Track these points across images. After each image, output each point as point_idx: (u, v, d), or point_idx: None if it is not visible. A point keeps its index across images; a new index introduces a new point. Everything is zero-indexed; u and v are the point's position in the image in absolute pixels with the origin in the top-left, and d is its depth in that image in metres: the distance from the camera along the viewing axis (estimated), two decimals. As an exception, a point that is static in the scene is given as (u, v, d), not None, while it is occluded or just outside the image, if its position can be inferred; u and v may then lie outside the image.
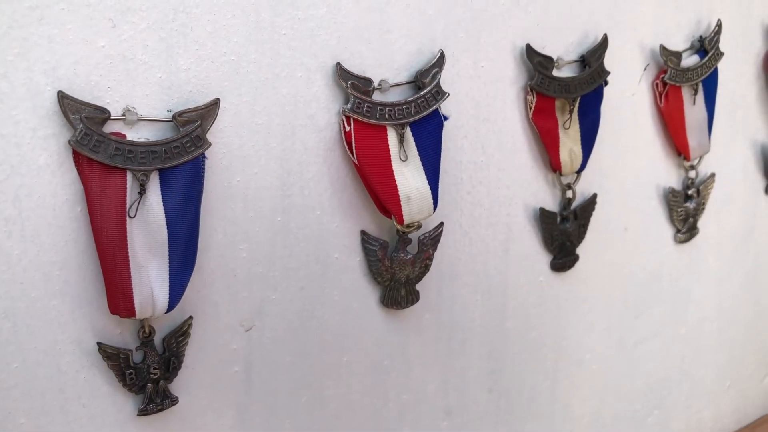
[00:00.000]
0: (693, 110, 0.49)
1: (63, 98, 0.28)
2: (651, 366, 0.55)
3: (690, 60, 0.48)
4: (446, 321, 0.42)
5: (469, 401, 0.45)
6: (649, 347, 0.53)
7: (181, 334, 0.33)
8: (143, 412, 0.33)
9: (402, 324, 0.41)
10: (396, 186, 0.35)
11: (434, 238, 0.39)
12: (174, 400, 0.33)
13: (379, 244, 0.38)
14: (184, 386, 0.34)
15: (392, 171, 0.35)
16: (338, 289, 0.38)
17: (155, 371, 0.32)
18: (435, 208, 0.37)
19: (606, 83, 0.44)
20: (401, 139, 0.36)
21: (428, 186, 0.36)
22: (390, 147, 0.35)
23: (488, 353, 0.44)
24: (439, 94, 0.37)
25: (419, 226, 0.38)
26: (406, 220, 0.36)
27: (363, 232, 0.37)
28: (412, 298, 0.40)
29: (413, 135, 0.36)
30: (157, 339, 0.33)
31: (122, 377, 0.32)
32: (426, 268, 0.39)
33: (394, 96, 0.36)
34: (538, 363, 0.47)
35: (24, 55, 0.28)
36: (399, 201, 0.35)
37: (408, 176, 0.36)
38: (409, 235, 0.38)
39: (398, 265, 0.38)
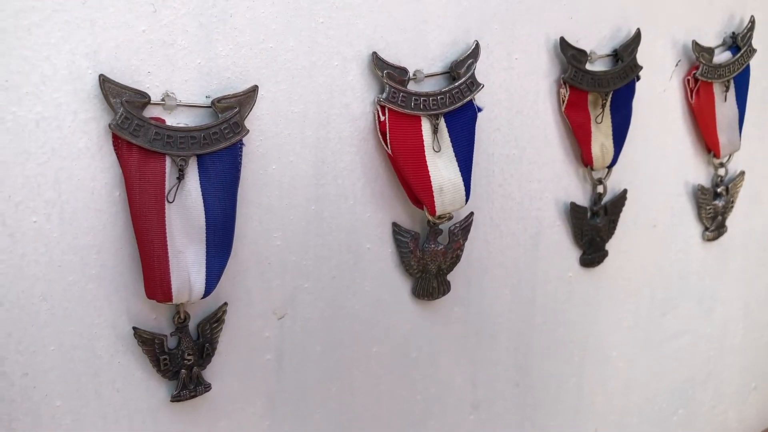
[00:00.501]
0: (724, 107, 0.48)
1: (104, 82, 0.28)
2: (676, 365, 0.54)
3: (722, 56, 0.48)
4: (475, 314, 0.42)
5: (496, 396, 0.45)
6: (675, 346, 0.53)
7: (215, 320, 0.33)
8: (176, 398, 0.33)
9: (431, 316, 0.40)
10: (429, 177, 0.35)
11: (465, 228, 0.39)
12: (207, 387, 0.33)
13: (411, 236, 0.38)
14: (217, 373, 0.34)
15: (425, 162, 0.35)
16: (369, 279, 0.38)
17: (189, 357, 0.32)
18: (467, 200, 0.37)
19: (638, 78, 0.43)
20: (435, 130, 0.36)
21: (461, 177, 0.36)
22: (424, 137, 0.35)
23: (516, 348, 0.44)
24: (473, 85, 0.37)
25: (450, 218, 0.38)
26: (438, 211, 0.36)
27: (395, 224, 0.37)
28: (444, 288, 0.39)
29: (447, 126, 0.36)
30: (192, 325, 0.33)
31: (156, 362, 0.32)
32: (457, 259, 0.39)
33: (428, 86, 0.36)
34: (564, 359, 0.47)
35: (67, 38, 0.28)
36: (432, 192, 0.35)
37: (441, 167, 0.35)
38: (440, 226, 0.38)
39: (429, 256, 0.38)
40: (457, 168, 0.36)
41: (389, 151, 0.35)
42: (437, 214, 0.36)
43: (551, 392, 0.47)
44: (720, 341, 0.56)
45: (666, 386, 0.54)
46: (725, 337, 0.56)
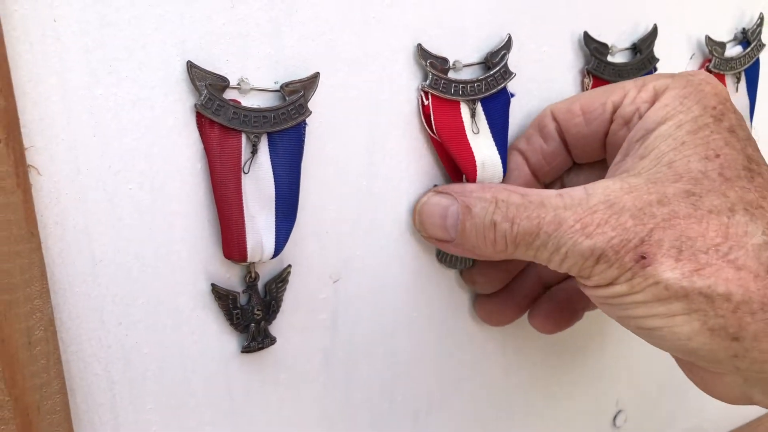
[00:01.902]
0: (736, 97, 0.52)
1: (192, 67, 0.33)
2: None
3: (733, 50, 0.52)
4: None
5: (525, 361, 0.48)
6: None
7: (280, 280, 0.37)
8: (246, 349, 0.37)
9: (467, 287, 0.44)
10: (473, 154, 0.39)
11: None
12: (273, 340, 0.38)
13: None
14: (280, 329, 0.38)
15: (467, 141, 0.39)
16: (411, 249, 0.42)
17: (258, 312, 0.37)
18: (504, 176, 0.41)
19: (655, 69, 0.47)
20: (473, 114, 0.40)
21: (498, 156, 0.40)
22: (464, 120, 0.39)
23: (544, 318, 0.48)
24: (506, 73, 0.41)
25: None
26: (479, 179, 0.40)
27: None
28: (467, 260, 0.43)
29: (483, 110, 0.40)
30: (260, 284, 0.37)
31: (230, 316, 0.36)
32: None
33: (466, 75, 0.40)
34: (588, 330, 0.51)
35: (159, 30, 0.32)
36: (475, 168, 0.39)
37: (481, 146, 0.39)
38: None
39: None
40: (495, 147, 0.40)
41: (432, 134, 0.39)
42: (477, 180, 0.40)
43: (576, 361, 0.51)
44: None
45: (683, 361, 0.58)
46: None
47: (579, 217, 0.33)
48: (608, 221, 0.33)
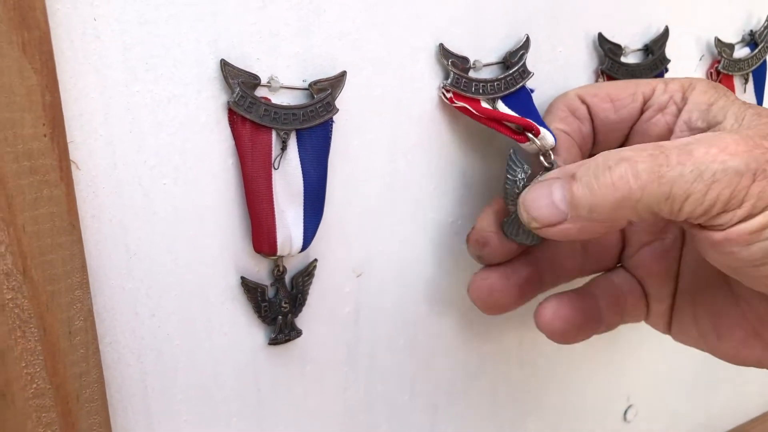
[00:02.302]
0: (744, 98, 0.53)
1: (225, 65, 0.34)
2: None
3: (741, 52, 0.53)
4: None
5: (539, 355, 0.49)
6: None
7: (307, 274, 0.38)
8: (274, 341, 0.38)
9: (484, 281, 0.45)
10: (509, 114, 0.40)
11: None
12: (299, 332, 0.38)
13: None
14: (305, 321, 0.39)
15: (499, 110, 0.40)
16: (431, 244, 0.43)
17: (285, 305, 0.38)
18: (555, 142, 0.40)
19: (666, 70, 0.48)
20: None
21: (540, 126, 0.40)
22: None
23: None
24: (525, 73, 0.42)
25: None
26: (542, 132, 0.39)
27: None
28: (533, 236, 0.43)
29: (506, 106, 0.41)
30: (287, 278, 0.38)
31: (258, 309, 0.37)
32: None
33: (485, 74, 0.41)
34: (600, 325, 0.52)
35: (194, 29, 0.33)
36: (529, 120, 0.39)
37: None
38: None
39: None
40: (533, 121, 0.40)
41: (471, 110, 0.40)
42: (541, 135, 0.39)
43: (588, 356, 0.52)
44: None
45: (692, 356, 0.59)
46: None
47: (713, 143, 0.30)
48: (747, 144, 0.30)
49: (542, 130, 0.39)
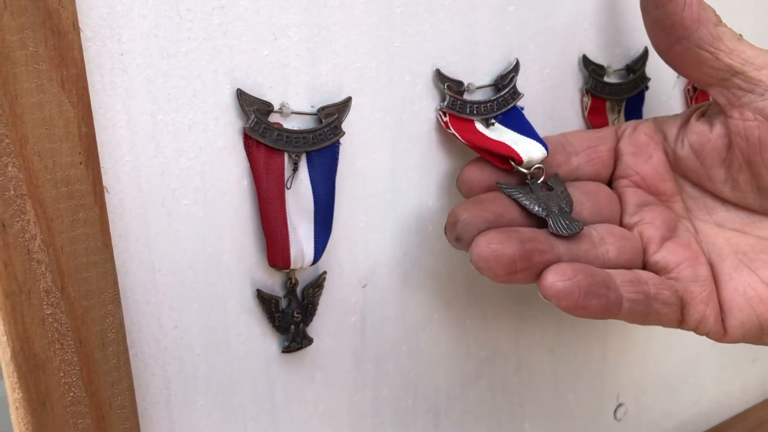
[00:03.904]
0: (720, 112, 0.57)
1: (241, 94, 0.36)
2: (686, 339, 0.62)
3: (716, 69, 0.56)
4: (519, 288, 0.50)
5: (535, 359, 0.52)
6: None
7: (317, 285, 0.41)
8: (287, 349, 0.40)
9: (482, 290, 0.48)
10: (501, 141, 0.42)
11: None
12: (310, 341, 0.41)
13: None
14: (316, 331, 0.42)
15: (490, 137, 0.42)
16: (432, 256, 0.46)
17: (297, 315, 0.40)
18: (547, 152, 0.42)
19: (647, 88, 0.52)
20: (489, 130, 0.44)
21: (529, 138, 0.43)
22: (481, 132, 0.43)
23: (551, 318, 0.52)
24: (516, 94, 0.45)
25: (538, 171, 0.43)
26: (524, 157, 0.41)
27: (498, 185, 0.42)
28: None
29: (500, 124, 0.44)
30: (299, 290, 0.40)
31: (272, 319, 0.40)
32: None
33: (478, 95, 0.44)
34: (591, 330, 0.55)
35: (212, 60, 0.36)
36: (510, 146, 0.42)
37: (507, 137, 0.43)
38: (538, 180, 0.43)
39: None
40: (522, 135, 0.43)
41: (458, 138, 0.42)
42: (525, 160, 0.41)
43: (580, 358, 0.55)
44: (722, 319, 0.64)
45: (678, 357, 0.62)
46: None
47: None
48: None
49: (526, 150, 0.42)
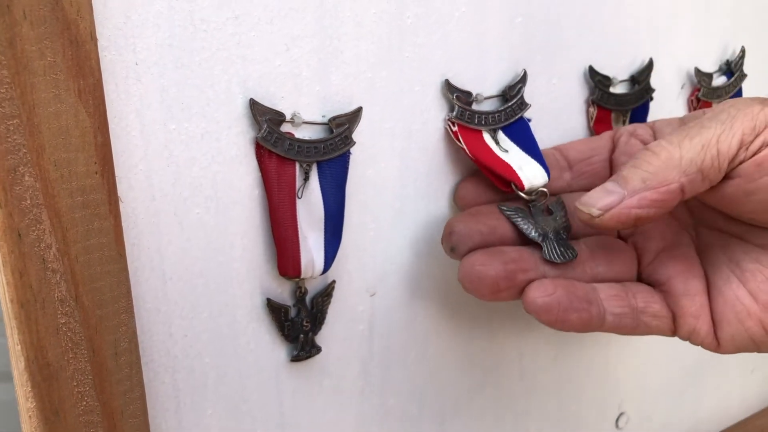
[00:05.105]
0: (722, 123, 0.57)
1: (254, 104, 0.36)
2: (686, 349, 0.62)
3: (719, 80, 0.57)
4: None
5: (538, 367, 0.53)
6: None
7: (326, 294, 0.41)
8: (296, 357, 0.40)
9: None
10: (506, 162, 0.42)
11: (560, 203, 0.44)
12: (319, 349, 0.41)
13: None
14: (324, 339, 0.42)
15: (498, 156, 0.43)
16: (439, 265, 0.46)
17: (306, 324, 0.40)
18: (549, 176, 0.43)
19: (651, 99, 0.52)
20: (496, 141, 0.44)
21: (533, 160, 0.43)
22: (489, 145, 0.43)
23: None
24: (523, 105, 0.45)
25: (544, 195, 0.43)
26: (526, 184, 0.42)
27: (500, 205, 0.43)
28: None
29: (507, 136, 0.44)
30: (308, 299, 0.40)
31: (281, 328, 0.40)
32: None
33: (486, 106, 0.45)
34: (594, 339, 0.55)
35: (225, 71, 0.36)
36: (514, 170, 0.42)
37: (513, 156, 0.43)
38: (537, 203, 0.43)
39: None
40: (527, 154, 0.43)
41: (468, 154, 0.43)
42: (526, 187, 0.42)
43: (582, 367, 0.55)
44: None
45: (678, 367, 0.63)
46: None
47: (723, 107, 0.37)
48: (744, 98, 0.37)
49: (529, 176, 0.42)
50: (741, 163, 0.35)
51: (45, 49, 0.29)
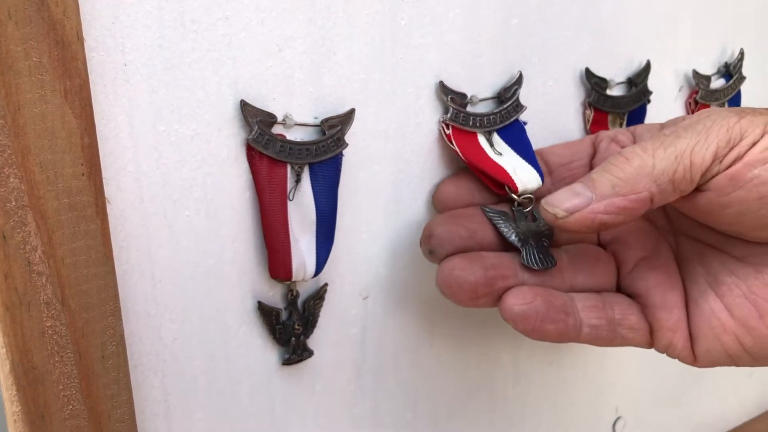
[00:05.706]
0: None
1: (245, 105, 0.36)
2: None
3: (717, 83, 0.56)
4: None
5: (534, 372, 0.52)
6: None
7: (318, 297, 0.40)
8: (287, 361, 0.40)
9: (481, 301, 0.48)
10: (500, 165, 0.42)
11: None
12: (311, 353, 0.41)
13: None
14: (316, 343, 0.41)
15: (492, 159, 0.42)
16: (432, 268, 0.45)
17: (298, 327, 0.40)
18: (542, 180, 0.42)
19: (649, 101, 0.52)
20: (491, 143, 0.44)
21: (527, 163, 0.43)
22: (483, 147, 0.43)
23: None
24: (518, 107, 0.45)
25: (532, 201, 0.42)
26: (520, 187, 0.42)
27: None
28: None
29: (501, 138, 0.44)
30: (299, 302, 0.40)
31: (273, 331, 0.39)
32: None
33: (481, 108, 0.44)
34: (590, 342, 0.55)
35: (216, 72, 0.36)
36: (508, 173, 0.42)
37: (507, 159, 0.42)
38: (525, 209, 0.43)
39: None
40: (521, 158, 0.42)
41: (461, 156, 0.42)
42: (520, 190, 0.42)
43: (578, 371, 0.55)
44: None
45: (675, 371, 0.62)
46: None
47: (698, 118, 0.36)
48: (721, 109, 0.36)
49: (524, 180, 0.42)
50: (715, 176, 0.34)
51: (30, 49, 0.29)
